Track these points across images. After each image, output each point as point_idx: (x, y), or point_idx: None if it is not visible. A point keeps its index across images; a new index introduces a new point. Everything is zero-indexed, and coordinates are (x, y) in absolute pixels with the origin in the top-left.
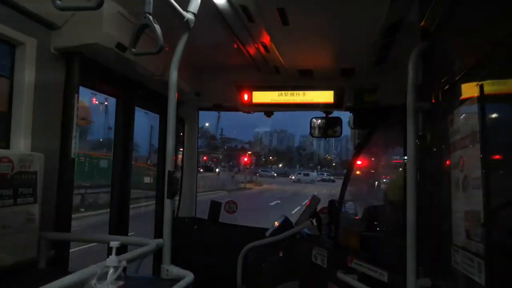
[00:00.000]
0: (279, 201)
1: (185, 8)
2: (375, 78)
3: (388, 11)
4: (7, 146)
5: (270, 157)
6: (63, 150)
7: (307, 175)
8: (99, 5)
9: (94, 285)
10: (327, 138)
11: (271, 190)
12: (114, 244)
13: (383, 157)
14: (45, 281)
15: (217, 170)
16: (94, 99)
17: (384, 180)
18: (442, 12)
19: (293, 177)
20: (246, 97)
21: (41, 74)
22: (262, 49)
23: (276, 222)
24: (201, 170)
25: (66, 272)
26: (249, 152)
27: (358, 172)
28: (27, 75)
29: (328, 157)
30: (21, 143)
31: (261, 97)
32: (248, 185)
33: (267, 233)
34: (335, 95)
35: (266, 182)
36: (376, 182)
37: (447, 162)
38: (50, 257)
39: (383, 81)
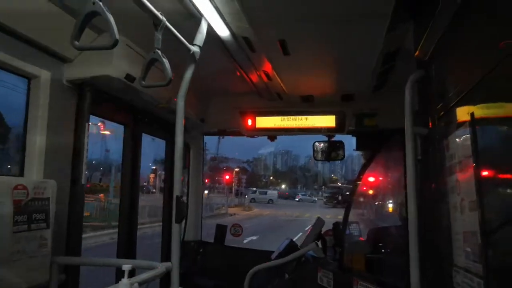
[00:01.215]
0: (254, 238)
1: (191, 42)
2: (375, 103)
3: (385, 41)
4: (21, 174)
5: (271, 177)
6: (74, 177)
7: (264, 193)
8: (114, 45)
9: None
10: (330, 162)
11: (260, 217)
12: (126, 267)
13: (389, 178)
14: None
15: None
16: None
17: (391, 201)
18: (435, 42)
19: (251, 196)
20: (250, 122)
21: (54, 104)
22: (264, 77)
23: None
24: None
25: None
26: (236, 169)
27: (363, 193)
28: (41, 105)
29: (334, 177)
30: (34, 170)
31: (264, 122)
32: (232, 210)
33: (273, 256)
34: (337, 120)
35: (261, 206)
36: (382, 203)
37: (445, 186)
38: (62, 281)
39: (383, 106)
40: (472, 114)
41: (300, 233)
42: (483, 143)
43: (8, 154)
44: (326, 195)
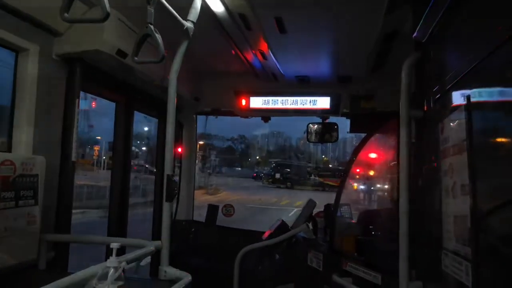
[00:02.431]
0: None
1: (185, 17)
2: (372, 85)
3: (383, 22)
4: (9, 150)
5: (258, 157)
6: (64, 153)
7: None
8: (105, 18)
9: (95, 285)
10: (323, 144)
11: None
12: (115, 245)
13: (382, 161)
14: (45, 282)
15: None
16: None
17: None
18: (433, 24)
19: None
20: (244, 102)
21: (43, 79)
22: (260, 56)
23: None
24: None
25: (66, 273)
26: (201, 142)
27: (356, 176)
28: (29, 80)
29: (325, 158)
30: (22, 146)
31: (258, 102)
32: None
33: (264, 236)
34: (332, 101)
35: (233, 189)
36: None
37: (438, 169)
38: (50, 258)
39: (380, 88)
40: (468, 97)
41: None
42: (478, 127)
43: None
44: (264, 172)
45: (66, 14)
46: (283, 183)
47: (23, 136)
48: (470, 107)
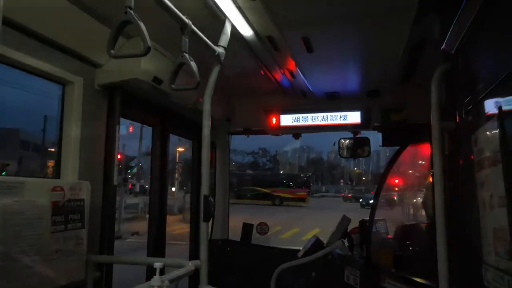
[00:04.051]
0: None
1: (216, 43)
2: (402, 97)
3: (411, 32)
4: (57, 176)
5: (281, 171)
6: (106, 177)
7: None
8: (147, 52)
9: None
10: (356, 159)
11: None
12: (158, 265)
13: (416, 174)
14: None
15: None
16: None
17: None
18: (462, 34)
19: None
20: (274, 120)
21: (86, 108)
22: (288, 75)
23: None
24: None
25: None
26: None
27: (391, 190)
28: (74, 109)
29: (357, 170)
30: (69, 172)
31: (289, 120)
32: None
33: (299, 254)
34: (362, 116)
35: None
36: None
37: (474, 181)
38: (96, 278)
39: (410, 100)
40: (500, 108)
41: None
42: (511, 137)
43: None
44: None
45: (112, 51)
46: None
47: (70, 163)
48: (502, 117)
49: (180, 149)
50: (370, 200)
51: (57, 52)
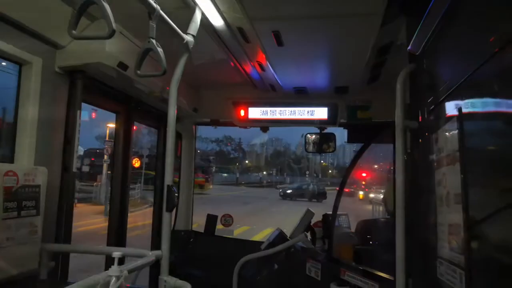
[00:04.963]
0: None
1: (185, 31)
2: (368, 95)
3: (378, 35)
4: (11, 161)
5: (247, 161)
6: (65, 164)
7: None
8: (111, 35)
9: None
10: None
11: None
12: (117, 254)
13: (379, 170)
14: None
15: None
16: None
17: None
18: (427, 37)
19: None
20: (242, 113)
21: (45, 91)
22: (258, 68)
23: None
24: None
25: (66, 283)
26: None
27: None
28: (32, 92)
29: (324, 163)
30: (24, 157)
31: (257, 113)
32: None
33: (262, 246)
34: (329, 112)
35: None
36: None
37: (433, 179)
38: (51, 268)
39: (376, 99)
40: (460, 109)
41: None
42: (470, 137)
43: None
44: None
45: (74, 31)
46: None
47: (25, 147)
48: (462, 118)
49: (110, 125)
50: (288, 190)
51: (13, 29)
